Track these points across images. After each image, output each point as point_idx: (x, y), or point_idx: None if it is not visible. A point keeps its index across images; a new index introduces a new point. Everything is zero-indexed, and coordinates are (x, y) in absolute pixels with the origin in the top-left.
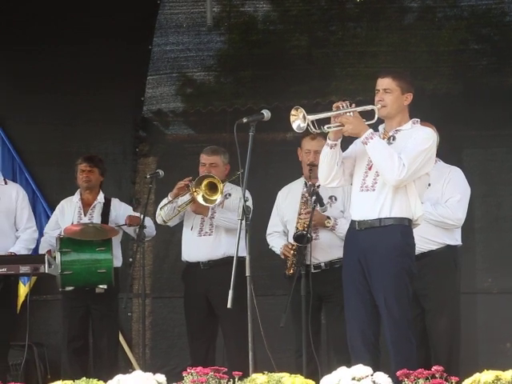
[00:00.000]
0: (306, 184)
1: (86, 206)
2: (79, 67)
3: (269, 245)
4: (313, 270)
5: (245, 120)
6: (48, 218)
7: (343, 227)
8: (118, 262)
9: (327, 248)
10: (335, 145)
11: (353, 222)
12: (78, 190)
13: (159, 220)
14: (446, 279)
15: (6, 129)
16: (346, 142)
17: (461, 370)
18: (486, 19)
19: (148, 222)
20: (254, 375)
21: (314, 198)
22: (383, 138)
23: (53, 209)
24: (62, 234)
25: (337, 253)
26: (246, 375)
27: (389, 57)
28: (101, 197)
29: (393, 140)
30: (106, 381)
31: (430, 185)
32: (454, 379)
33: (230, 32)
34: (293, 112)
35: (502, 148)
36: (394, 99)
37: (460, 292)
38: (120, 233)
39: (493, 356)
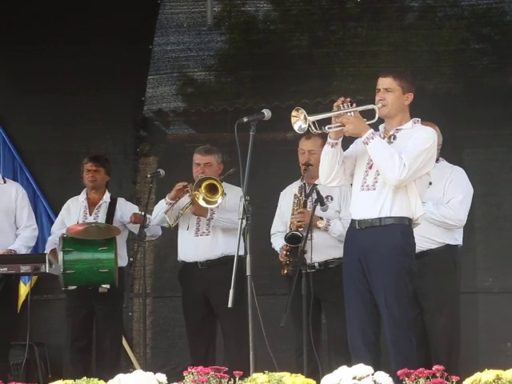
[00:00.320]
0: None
1: (92, 205)
2: (79, 67)
3: (272, 244)
4: (307, 270)
5: (245, 119)
6: (49, 217)
7: (337, 228)
8: (123, 261)
9: (321, 248)
10: (336, 144)
11: (353, 221)
12: (85, 190)
13: (158, 223)
14: (444, 279)
15: (7, 129)
16: (347, 141)
17: (461, 370)
18: (486, 19)
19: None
20: (254, 375)
21: (310, 198)
22: (384, 138)
23: (53, 208)
24: (66, 233)
25: (332, 253)
26: (246, 374)
27: (389, 56)
28: (107, 196)
29: (393, 139)
30: (108, 380)
31: (431, 184)
32: (454, 378)
33: (231, 32)
34: (294, 113)
35: (503, 147)
36: (394, 99)
37: (460, 292)
38: (126, 232)
39: (493, 355)
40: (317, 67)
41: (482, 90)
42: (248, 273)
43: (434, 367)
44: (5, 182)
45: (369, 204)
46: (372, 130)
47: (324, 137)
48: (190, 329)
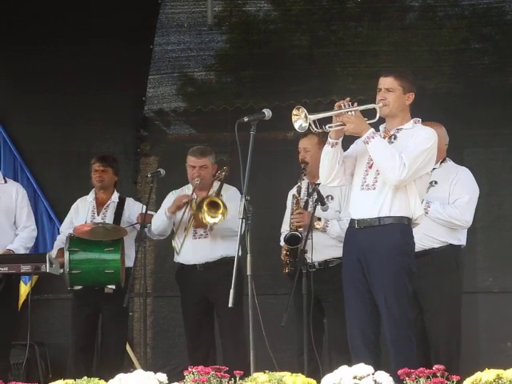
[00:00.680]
0: (308, 185)
1: (100, 205)
2: (79, 67)
3: (280, 242)
4: (309, 270)
5: (246, 119)
6: (49, 217)
7: (334, 229)
8: (130, 261)
9: (321, 248)
10: (336, 143)
11: (352, 220)
12: (93, 189)
13: (159, 234)
14: (446, 278)
15: (7, 128)
16: (347, 141)
17: (462, 369)
18: (486, 18)
19: None
20: (255, 374)
21: (311, 197)
22: (384, 137)
23: (54, 208)
24: (73, 233)
25: (331, 252)
26: (244, 374)
27: (390, 56)
28: (115, 196)
29: (394, 139)
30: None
31: (436, 183)
32: (455, 378)
33: (231, 31)
34: (294, 112)
35: (503, 147)
36: (395, 98)
37: (462, 292)
38: (134, 232)
39: (494, 355)
40: (317, 67)
41: (483, 90)
42: (248, 272)
43: (435, 367)
44: (6, 181)
45: (368, 204)
46: (373, 130)
47: (321, 135)
48: (189, 331)
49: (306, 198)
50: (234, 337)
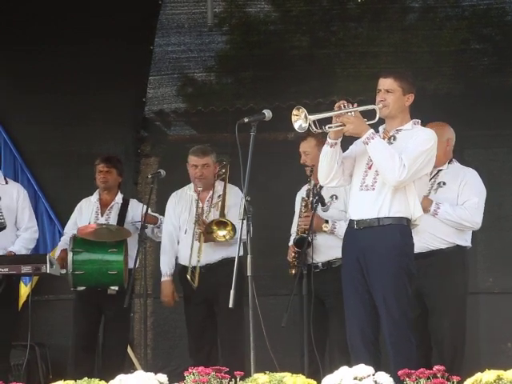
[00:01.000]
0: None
1: (104, 206)
2: (79, 67)
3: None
4: (313, 270)
5: (246, 120)
6: (49, 217)
7: (343, 230)
8: (131, 263)
9: (324, 248)
10: (335, 144)
11: (351, 221)
12: (97, 190)
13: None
14: (453, 279)
15: (7, 129)
16: (346, 142)
17: (462, 370)
18: (487, 19)
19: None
20: (255, 375)
21: (315, 198)
22: (384, 138)
23: (54, 208)
24: (76, 234)
25: (334, 253)
26: (244, 375)
27: (390, 57)
28: (119, 197)
29: (393, 140)
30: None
31: (445, 184)
32: (455, 379)
33: (232, 32)
34: (294, 112)
35: (504, 148)
36: (395, 99)
37: (468, 293)
38: (137, 233)
39: (494, 356)
40: (317, 68)
41: (483, 91)
42: (249, 273)
43: (435, 367)
44: (6, 182)
45: (368, 204)
46: (372, 130)
47: (320, 137)
48: (192, 332)
49: (312, 199)
50: (232, 338)
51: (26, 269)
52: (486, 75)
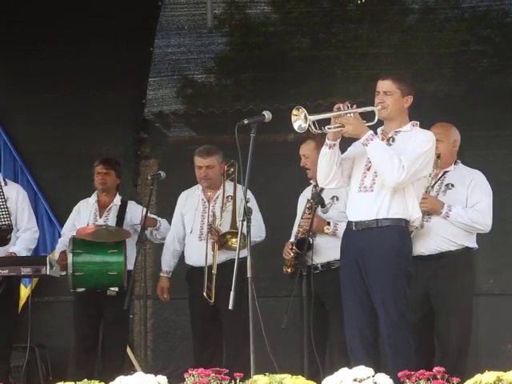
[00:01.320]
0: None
1: (102, 207)
2: (79, 67)
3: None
4: (313, 271)
5: (246, 121)
6: (49, 218)
7: None
8: (130, 264)
9: (323, 250)
10: (334, 145)
11: (350, 222)
12: (96, 192)
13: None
14: (462, 281)
15: (7, 129)
16: (345, 143)
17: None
18: (486, 20)
19: (164, 223)
20: (255, 376)
21: (315, 200)
22: (382, 139)
23: (54, 209)
24: (76, 235)
25: (333, 254)
26: (245, 377)
27: (390, 59)
28: (117, 199)
29: (392, 141)
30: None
31: (453, 186)
32: (455, 380)
33: (231, 34)
34: (294, 112)
35: (504, 149)
36: (394, 101)
37: (474, 295)
38: (136, 235)
39: (494, 357)
40: (317, 69)
41: (483, 92)
42: (249, 275)
43: (435, 369)
44: (6, 183)
45: (366, 206)
46: (371, 132)
47: (319, 140)
48: (197, 333)
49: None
50: (236, 339)
51: (25, 270)
52: (485, 77)
